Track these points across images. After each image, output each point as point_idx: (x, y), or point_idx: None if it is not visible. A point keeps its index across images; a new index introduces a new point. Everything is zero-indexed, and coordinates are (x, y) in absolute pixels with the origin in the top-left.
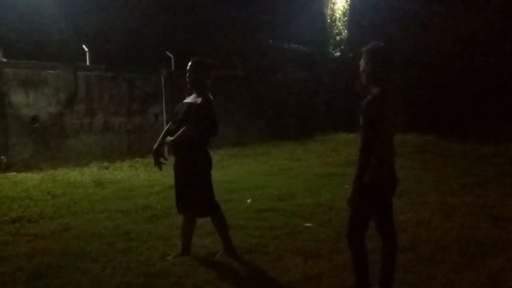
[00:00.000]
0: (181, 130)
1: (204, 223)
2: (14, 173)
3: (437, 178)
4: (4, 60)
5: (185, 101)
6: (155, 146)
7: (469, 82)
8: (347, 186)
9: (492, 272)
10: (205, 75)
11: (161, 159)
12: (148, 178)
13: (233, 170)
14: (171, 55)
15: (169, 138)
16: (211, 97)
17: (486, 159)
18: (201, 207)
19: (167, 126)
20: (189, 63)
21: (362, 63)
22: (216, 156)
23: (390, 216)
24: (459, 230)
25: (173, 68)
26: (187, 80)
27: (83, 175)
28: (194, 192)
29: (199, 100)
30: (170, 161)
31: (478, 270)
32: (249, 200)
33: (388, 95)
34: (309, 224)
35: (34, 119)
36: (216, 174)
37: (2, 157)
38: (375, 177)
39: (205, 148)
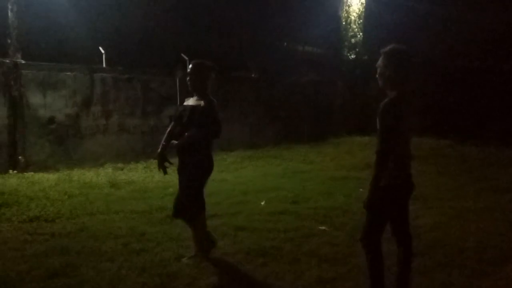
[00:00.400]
0: (188, 134)
1: (219, 225)
2: (32, 173)
3: (454, 182)
4: (23, 61)
5: (186, 103)
6: (159, 150)
7: (487, 86)
8: (361, 190)
9: (510, 278)
10: (206, 78)
11: (166, 163)
12: (163, 180)
13: (247, 172)
14: (186, 57)
15: (174, 142)
16: (213, 99)
17: (504, 164)
18: (192, 210)
19: (168, 129)
20: (190, 66)
21: (380, 65)
22: (229, 158)
23: (406, 220)
24: (476, 235)
25: (188, 70)
26: (188, 83)
27: (98, 176)
28: (192, 194)
29: (202, 103)
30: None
31: (495, 276)
32: (263, 203)
33: (406, 98)
34: (323, 227)
35: (51, 120)
36: (230, 176)
37: (19, 157)
38: (392, 180)
39: (209, 151)
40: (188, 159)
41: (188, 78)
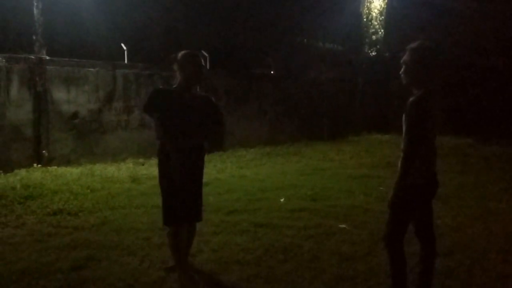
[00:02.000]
0: (217, 129)
1: (238, 221)
2: (55, 167)
3: (477, 182)
4: (47, 57)
5: (184, 95)
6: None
7: (509, 84)
8: (382, 188)
9: None
10: (203, 69)
11: None
12: None
13: (266, 169)
14: (206, 54)
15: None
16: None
17: None
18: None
19: (167, 122)
20: (185, 57)
21: (407, 62)
22: (248, 154)
23: (430, 219)
24: (499, 236)
25: (207, 67)
26: (198, 75)
27: (120, 171)
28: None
29: (203, 94)
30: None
31: None
32: (282, 199)
33: (433, 97)
34: (343, 226)
35: (75, 115)
36: (248, 173)
37: (44, 151)
38: (418, 179)
39: None
40: (202, 158)
41: (199, 70)
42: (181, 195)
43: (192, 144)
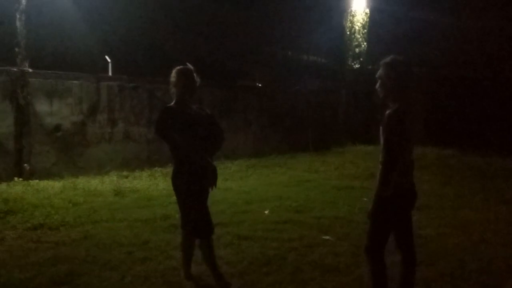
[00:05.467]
0: (219, 143)
1: (222, 234)
2: (37, 180)
3: (458, 192)
4: (30, 70)
5: (185, 111)
6: (214, 165)
7: (490, 95)
8: (365, 199)
9: None
10: (195, 83)
11: None
12: (167, 188)
13: (251, 181)
14: (191, 66)
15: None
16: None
17: (508, 174)
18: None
19: (188, 139)
20: (182, 72)
21: (381, 76)
22: (233, 166)
23: (409, 230)
24: (480, 246)
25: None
26: (184, 89)
27: (103, 184)
28: None
29: (206, 112)
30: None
31: None
32: (267, 212)
33: (408, 109)
34: (327, 237)
35: (57, 128)
36: (233, 185)
37: (25, 165)
38: (397, 190)
39: None
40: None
41: (194, 86)
42: (205, 206)
43: (206, 159)
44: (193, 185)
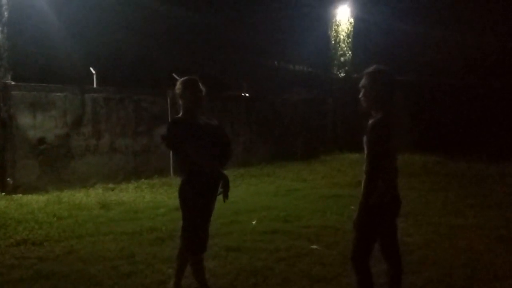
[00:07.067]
0: (228, 153)
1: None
2: (20, 195)
3: (444, 199)
4: (13, 83)
5: (193, 122)
6: (226, 176)
7: (474, 102)
8: (353, 207)
9: None
10: (201, 93)
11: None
12: (154, 200)
13: (239, 191)
14: (177, 77)
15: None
16: None
17: (493, 180)
18: None
19: (199, 150)
20: (183, 84)
21: (365, 86)
22: None
23: (394, 238)
24: (466, 252)
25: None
26: (190, 100)
27: (88, 197)
28: None
29: (211, 119)
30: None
31: None
32: (254, 222)
33: (392, 118)
34: (315, 247)
35: (41, 140)
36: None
37: (8, 179)
38: (381, 198)
39: None
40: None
41: (201, 95)
42: (207, 222)
43: (219, 170)
44: (201, 199)
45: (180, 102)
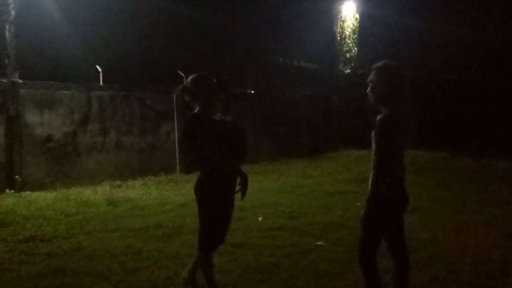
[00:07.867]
0: (245, 150)
1: None
2: (28, 192)
3: (451, 195)
4: (20, 81)
5: (213, 118)
6: (244, 173)
7: (481, 98)
8: (359, 204)
9: None
10: (214, 89)
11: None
12: (160, 197)
13: None
14: (182, 74)
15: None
16: None
17: (501, 176)
18: None
19: (219, 149)
20: (195, 81)
21: (373, 80)
22: None
23: (401, 234)
24: (473, 249)
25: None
26: (203, 96)
27: (95, 194)
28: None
29: (230, 119)
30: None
31: None
32: (260, 218)
33: (400, 114)
34: (320, 243)
35: (48, 138)
36: None
37: (16, 176)
38: (388, 195)
39: None
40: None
41: (213, 91)
42: (227, 220)
43: (237, 168)
44: (220, 198)
45: (190, 98)
